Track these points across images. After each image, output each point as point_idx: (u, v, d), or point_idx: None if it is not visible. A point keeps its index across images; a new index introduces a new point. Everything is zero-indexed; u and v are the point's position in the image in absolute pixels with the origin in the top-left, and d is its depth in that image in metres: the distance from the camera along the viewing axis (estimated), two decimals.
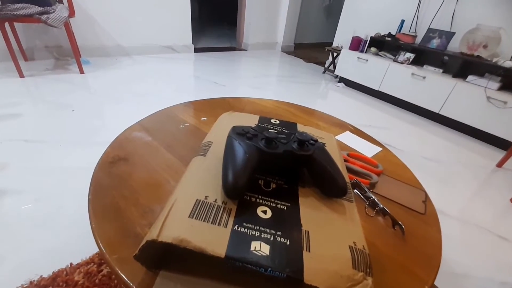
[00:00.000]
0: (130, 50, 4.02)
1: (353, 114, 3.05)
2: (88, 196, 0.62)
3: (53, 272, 1.07)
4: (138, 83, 3.09)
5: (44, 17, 2.53)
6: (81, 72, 3.08)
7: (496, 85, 2.62)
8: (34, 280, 1.04)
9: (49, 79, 2.87)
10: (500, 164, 2.36)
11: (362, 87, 3.75)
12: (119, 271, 0.47)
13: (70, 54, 3.47)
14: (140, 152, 0.80)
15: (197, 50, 4.77)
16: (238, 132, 0.55)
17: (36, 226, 1.27)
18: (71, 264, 1.10)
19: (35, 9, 2.52)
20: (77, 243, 1.20)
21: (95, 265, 1.10)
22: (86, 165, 1.67)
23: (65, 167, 1.65)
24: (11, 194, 1.43)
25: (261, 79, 3.84)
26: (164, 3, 4.02)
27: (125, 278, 0.47)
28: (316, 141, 0.56)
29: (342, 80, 4.01)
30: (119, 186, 0.66)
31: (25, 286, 1.02)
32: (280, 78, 3.97)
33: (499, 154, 2.57)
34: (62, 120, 2.17)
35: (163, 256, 0.45)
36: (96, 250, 1.15)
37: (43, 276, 1.05)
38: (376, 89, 3.51)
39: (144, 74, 3.38)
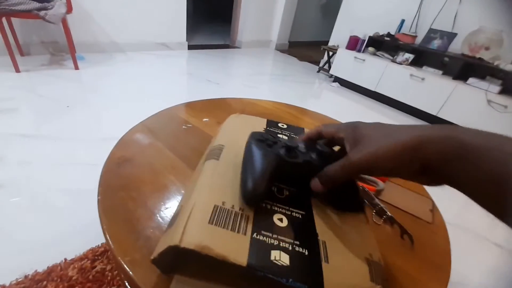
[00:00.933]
0: (124, 46, 4.10)
1: (348, 114, 3.09)
2: (98, 196, 0.62)
3: (47, 267, 1.11)
4: (132, 79, 3.17)
5: (42, 13, 2.59)
6: (76, 68, 3.15)
7: (497, 88, 2.65)
8: (29, 275, 1.08)
9: (45, 74, 2.94)
10: None
11: (357, 87, 3.79)
12: (132, 275, 0.47)
13: (65, 50, 3.53)
14: (145, 153, 0.81)
15: (190, 47, 4.81)
16: (258, 139, 0.55)
17: (31, 221, 1.32)
18: (65, 259, 1.14)
19: (34, 5, 2.57)
20: (71, 239, 1.25)
21: (89, 261, 1.14)
22: (81, 161, 1.72)
23: (59, 163, 1.71)
24: (6, 187, 1.49)
25: (255, 77, 3.88)
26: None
27: (139, 282, 0.47)
28: (334, 152, 0.55)
29: (337, 79, 4.04)
30: (127, 187, 0.66)
31: (20, 280, 1.06)
32: (274, 77, 4.01)
33: None
34: (57, 115, 2.23)
35: (179, 261, 0.45)
36: (90, 246, 1.22)
37: (38, 271, 1.10)
38: (372, 89, 3.54)
39: (137, 70, 3.46)
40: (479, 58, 2.83)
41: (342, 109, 3.21)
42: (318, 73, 4.49)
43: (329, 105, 3.32)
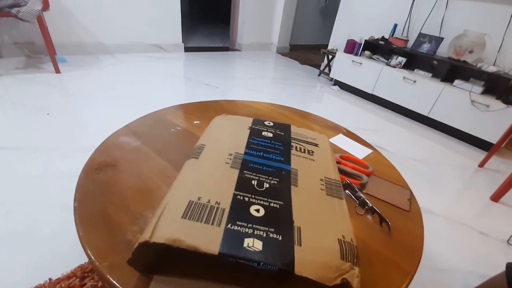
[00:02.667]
0: (112, 48, 3.73)
1: (347, 117, 3.09)
2: (74, 203, 0.61)
3: None
4: (122, 84, 2.88)
5: (14, 10, 2.31)
6: (57, 71, 2.81)
7: (480, 89, 2.69)
8: None
9: (20, 78, 2.61)
10: (481, 164, 2.44)
11: (356, 90, 3.79)
12: (110, 278, 0.47)
13: (43, 52, 3.10)
14: (129, 158, 0.78)
15: (187, 49, 4.57)
16: None
17: (10, 239, 1.17)
18: (50, 279, 1.02)
19: (5, 1, 2.30)
20: (57, 257, 1.12)
21: (78, 279, 1.02)
22: (64, 173, 1.55)
23: (40, 176, 1.52)
24: None
25: (256, 81, 3.76)
26: None
27: (118, 285, 0.47)
28: None
29: (337, 83, 4.03)
30: (107, 193, 0.65)
31: None
32: (275, 80, 3.93)
33: (480, 154, 2.64)
34: (36, 124, 1.97)
35: (157, 261, 0.47)
36: (79, 263, 1.08)
37: None
38: (370, 92, 3.55)
39: (129, 74, 3.17)
40: (464, 61, 2.85)
41: (341, 112, 3.21)
42: (319, 77, 4.44)
43: (329, 108, 3.31)
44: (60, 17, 3.19)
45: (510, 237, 1.64)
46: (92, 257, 0.50)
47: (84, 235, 0.54)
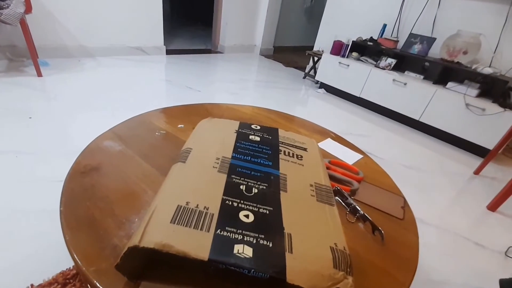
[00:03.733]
0: (94, 51, 3.83)
1: (334, 121, 3.13)
2: (60, 207, 0.63)
3: None
4: (103, 87, 2.96)
5: None
6: (39, 74, 2.90)
7: (475, 92, 2.74)
8: None
9: (1, 82, 2.68)
10: (477, 172, 2.49)
11: (343, 93, 3.84)
12: (97, 284, 0.48)
13: (25, 55, 3.24)
14: (114, 162, 0.80)
15: (169, 52, 4.67)
16: None
17: None
18: (31, 285, 1.04)
19: None
20: (38, 262, 1.14)
21: (59, 285, 1.05)
22: (47, 178, 1.59)
23: (22, 180, 1.55)
24: None
25: (239, 84, 3.82)
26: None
27: None
28: None
29: (323, 86, 4.08)
30: (93, 197, 0.67)
31: None
32: (258, 83, 3.98)
33: (476, 161, 2.70)
34: (18, 128, 2.02)
35: (145, 267, 0.48)
36: (60, 269, 1.10)
37: None
38: (357, 95, 3.59)
39: (110, 77, 3.25)
40: (457, 62, 2.92)
41: (327, 116, 3.25)
42: (304, 79, 4.50)
43: (315, 111, 3.35)
44: (42, 19, 3.28)
45: (508, 248, 1.67)
46: (79, 262, 0.51)
47: (70, 239, 0.55)
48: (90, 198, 0.66)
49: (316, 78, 4.06)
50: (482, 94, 2.80)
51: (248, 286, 0.47)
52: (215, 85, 3.62)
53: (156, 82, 3.38)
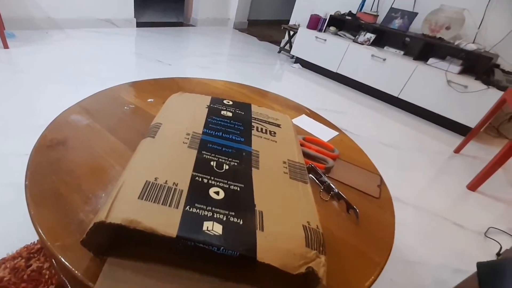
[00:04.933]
0: (62, 23, 3.78)
1: (309, 97, 3.15)
2: (25, 182, 0.63)
3: None
4: (72, 60, 2.92)
5: None
6: (5, 46, 2.91)
7: (457, 68, 2.78)
8: None
9: None
10: (457, 150, 2.55)
11: (319, 69, 3.85)
12: (62, 259, 0.48)
13: None
14: (81, 136, 0.80)
15: (139, 24, 4.61)
16: None
17: None
18: None
19: None
20: (1, 236, 1.17)
21: (23, 260, 1.07)
22: (9, 151, 1.61)
23: None
24: None
25: (211, 58, 3.81)
26: None
27: (69, 266, 0.48)
28: None
29: (298, 60, 4.08)
30: (59, 171, 0.67)
31: None
32: (232, 58, 3.96)
33: (457, 139, 2.76)
34: None
35: (111, 243, 0.47)
36: (24, 243, 1.13)
37: None
38: (334, 71, 3.61)
39: (79, 50, 3.24)
40: (440, 38, 2.96)
41: (303, 92, 3.27)
42: (279, 54, 4.50)
43: (290, 87, 3.36)
44: None
45: (488, 229, 1.72)
46: (44, 236, 0.52)
47: (35, 213, 0.56)
48: (56, 172, 0.66)
49: (292, 52, 4.05)
50: (464, 71, 2.85)
51: (217, 264, 0.47)
52: (187, 59, 3.61)
53: (126, 55, 3.37)
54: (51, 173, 0.65)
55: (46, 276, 1.04)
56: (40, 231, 0.52)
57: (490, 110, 2.38)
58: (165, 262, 0.48)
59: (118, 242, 0.48)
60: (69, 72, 2.67)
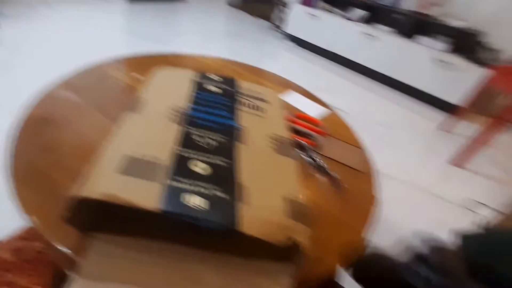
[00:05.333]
0: None
1: (301, 75, 3.11)
2: (10, 160, 0.61)
3: None
4: (60, 36, 2.86)
5: None
6: None
7: (444, 46, 2.78)
8: None
9: None
10: (443, 127, 2.60)
11: (312, 47, 3.80)
12: (48, 237, 0.48)
13: None
14: (67, 113, 0.77)
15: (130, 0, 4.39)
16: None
17: None
18: None
19: None
20: (5, 218, 1.09)
21: (26, 241, 1.06)
22: None
23: None
24: None
25: (205, 35, 3.72)
26: None
27: (57, 243, 0.48)
28: None
29: (292, 38, 4.03)
30: (45, 150, 0.65)
31: None
32: (224, 35, 3.89)
33: (442, 116, 2.79)
34: None
35: (98, 219, 0.47)
36: (27, 225, 1.10)
37: None
38: (327, 49, 3.58)
39: (67, 26, 3.13)
40: (429, 15, 2.95)
41: (295, 69, 3.25)
42: (273, 31, 4.42)
43: (283, 65, 3.33)
44: None
45: (467, 201, 1.79)
46: (30, 215, 0.51)
47: (20, 192, 0.54)
48: (41, 150, 0.65)
49: (285, 30, 3.99)
50: (452, 49, 2.83)
51: (203, 238, 0.48)
52: (179, 36, 3.53)
53: (117, 32, 3.28)
54: (36, 151, 0.64)
55: (50, 255, 1.02)
56: (24, 210, 0.51)
57: (474, 88, 2.41)
58: (153, 237, 0.48)
59: (105, 218, 0.48)
60: (56, 48, 2.60)
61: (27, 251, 1.04)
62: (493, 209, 1.71)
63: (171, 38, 3.39)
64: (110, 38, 3.06)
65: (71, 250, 0.47)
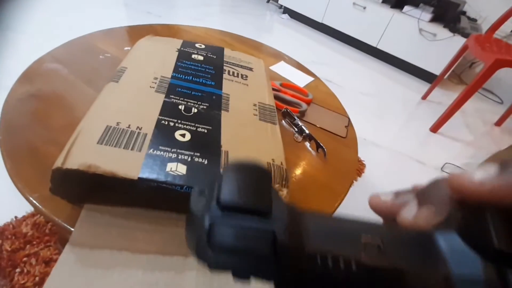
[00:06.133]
0: None
1: (296, 48, 3.07)
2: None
3: None
4: (52, 10, 2.66)
5: None
6: None
7: (429, 16, 2.72)
8: None
9: None
10: (424, 97, 2.62)
11: (306, 19, 3.69)
12: (42, 208, 0.48)
13: None
14: (55, 87, 0.75)
15: None
16: None
17: None
18: (15, 217, 1.06)
19: None
20: (16, 197, 1.13)
21: (43, 216, 1.05)
22: None
23: None
24: None
25: (202, 8, 3.59)
26: None
27: (50, 214, 0.48)
28: None
29: (286, 10, 3.90)
30: (34, 125, 0.63)
31: None
32: (222, 8, 3.78)
33: (425, 87, 2.78)
34: None
35: (86, 190, 0.47)
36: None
37: None
38: (320, 21, 3.49)
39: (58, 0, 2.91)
40: None
41: (291, 43, 3.20)
42: (268, 4, 4.22)
43: (277, 38, 3.27)
44: None
45: (444, 164, 1.84)
46: (21, 189, 0.50)
47: (12, 167, 0.54)
48: (30, 126, 0.63)
49: (280, 2, 3.88)
50: (435, 19, 2.78)
51: (184, 205, 0.49)
52: (177, 10, 3.41)
53: (112, 5, 3.11)
54: (25, 127, 0.62)
55: None
56: (17, 184, 0.51)
57: (453, 58, 2.42)
58: (140, 205, 0.48)
59: (92, 188, 0.47)
60: (48, 23, 2.46)
61: (48, 225, 1.06)
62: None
63: (168, 11, 3.26)
64: (106, 13, 2.90)
65: (64, 220, 0.47)
